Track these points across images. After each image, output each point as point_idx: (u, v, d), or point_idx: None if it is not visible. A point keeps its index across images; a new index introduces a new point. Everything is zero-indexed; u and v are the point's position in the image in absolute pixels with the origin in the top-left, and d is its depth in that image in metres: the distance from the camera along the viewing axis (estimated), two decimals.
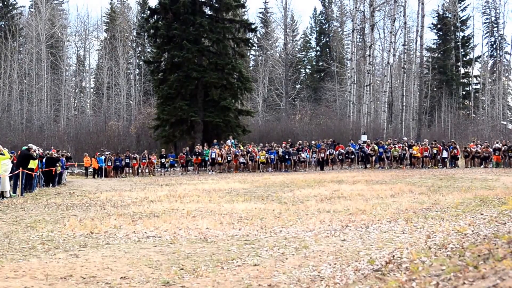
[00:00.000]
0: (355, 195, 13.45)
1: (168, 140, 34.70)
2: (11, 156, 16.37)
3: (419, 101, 45.42)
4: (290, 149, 27.75)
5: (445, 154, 26.06)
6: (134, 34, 56.89)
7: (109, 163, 28.37)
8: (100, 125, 46.51)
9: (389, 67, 43.20)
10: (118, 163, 28.38)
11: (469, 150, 25.98)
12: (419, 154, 26.45)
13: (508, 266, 4.30)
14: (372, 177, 19.69)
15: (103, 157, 28.42)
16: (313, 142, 29.94)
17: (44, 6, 50.76)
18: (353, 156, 27.70)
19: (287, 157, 27.34)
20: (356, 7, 43.85)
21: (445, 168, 25.22)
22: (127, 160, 28.48)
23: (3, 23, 53.28)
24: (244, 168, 27.92)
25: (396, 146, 26.95)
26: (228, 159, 28.00)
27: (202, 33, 34.60)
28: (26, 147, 17.65)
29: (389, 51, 43.78)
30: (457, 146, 26.55)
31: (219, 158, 27.94)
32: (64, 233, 8.56)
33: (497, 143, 25.81)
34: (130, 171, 28.78)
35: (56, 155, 22.40)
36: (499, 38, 52.94)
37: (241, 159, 28.02)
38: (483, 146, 26.04)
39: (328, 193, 14.15)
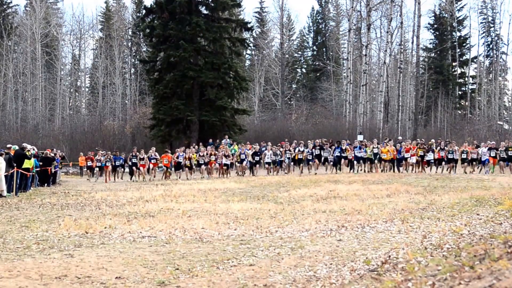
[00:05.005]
0: (351, 195, 13.44)
1: (164, 139, 34.65)
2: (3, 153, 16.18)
3: (415, 101, 45.53)
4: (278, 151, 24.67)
5: (430, 156, 22.51)
6: (130, 33, 56.70)
7: (108, 163, 24.63)
8: (95, 125, 46.40)
9: (386, 67, 43.27)
10: (117, 163, 24.70)
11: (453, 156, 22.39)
12: (390, 157, 22.75)
13: (504, 266, 4.29)
14: (368, 177, 19.69)
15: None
16: (309, 142, 29.18)
17: (39, 5, 50.53)
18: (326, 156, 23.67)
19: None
20: (352, 7, 43.93)
21: (434, 172, 22.33)
22: (134, 160, 24.04)
23: None
24: (225, 172, 24.16)
25: (378, 146, 23.27)
26: (203, 161, 24.02)
27: (198, 32, 34.58)
28: (21, 147, 17.60)
29: (386, 50, 43.83)
30: (436, 148, 22.82)
31: (187, 162, 24.03)
32: (59, 233, 8.52)
33: (490, 142, 23.35)
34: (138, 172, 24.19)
35: (51, 154, 22.31)
36: (496, 38, 53.03)
37: (225, 161, 24.10)
38: (471, 146, 23.54)
39: (324, 193, 14.14)
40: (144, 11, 40.18)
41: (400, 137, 31.84)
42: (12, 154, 16.64)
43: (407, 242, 7.08)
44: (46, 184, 20.62)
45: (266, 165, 24.25)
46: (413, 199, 12.35)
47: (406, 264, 5.42)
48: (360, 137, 30.48)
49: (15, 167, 16.06)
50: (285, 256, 6.57)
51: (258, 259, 6.48)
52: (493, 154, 21.95)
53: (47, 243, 7.70)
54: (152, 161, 24.33)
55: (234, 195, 14.55)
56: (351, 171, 23.30)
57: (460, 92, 53.30)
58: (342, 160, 23.25)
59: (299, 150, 23.71)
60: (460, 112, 52.81)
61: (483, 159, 22.14)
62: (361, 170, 23.16)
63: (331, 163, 23.49)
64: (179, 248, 7.23)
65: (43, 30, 50.84)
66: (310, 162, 23.70)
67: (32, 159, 18.25)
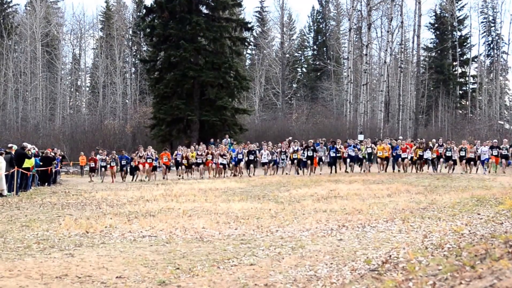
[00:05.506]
0: (351, 195, 13.43)
1: (165, 139, 34.68)
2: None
3: (416, 101, 45.54)
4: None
5: (428, 155, 22.09)
6: (130, 32, 56.70)
7: (113, 163, 23.93)
8: (95, 124, 46.41)
9: (386, 66, 43.27)
10: (123, 162, 24.00)
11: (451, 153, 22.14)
12: (386, 154, 22.56)
13: (505, 266, 4.28)
14: (369, 176, 19.67)
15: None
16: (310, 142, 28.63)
17: (39, 5, 50.53)
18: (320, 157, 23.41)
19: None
20: (353, 6, 43.92)
21: (431, 171, 22.10)
22: (137, 160, 23.72)
23: None
24: (221, 171, 23.74)
25: (372, 145, 23.20)
26: (201, 160, 23.47)
27: (199, 32, 34.60)
28: (21, 146, 17.60)
29: (386, 50, 43.83)
30: (434, 146, 22.56)
31: (185, 161, 23.81)
32: (60, 232, 8.51)
33: (489, 141, 23.14)
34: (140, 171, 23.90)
35: (52, 154, 22.30)
36: (496, 37, 53.02)
37: (221, 160, 23.49)
38: (470, 145, 23.12)
39: (325, 193, 14.12)
40: (144, 11, 40.23)
41: (401, 137, 31.72)
42: (13, 153, 16.64)
43: (408, 242, 7.07)
44: (46, 184, 20.63)
45: (264, 165, 23.71)
46: (414, 198, 12.34)
47: (407, 264, 5.41)
48: (360, 137, 30.49)
49: (16, 167, 16.07)
50: (285, 256, 6.56)
51: (258, 258, 6.47)
52: (495, 152, 21.46)
53: (47, 242, 7.69)
54: (148, 160, 23.61)
55: (234, 195, 14.53)
56: (345, 169, 23.27)
57: (460, 92, 53.30)
58: (338, 160, 23.13)
59: (293, 150, 23.15)
60: (461, 111, 52.78)
61: (482, 158, 21.69)
62: (359, 169, 23.07)
63: (327, 163, 23.43)
64: (179, 247, 7.22)
65: (44, 30, 50.84)
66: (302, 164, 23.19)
67: (33, 159, 18.27)
